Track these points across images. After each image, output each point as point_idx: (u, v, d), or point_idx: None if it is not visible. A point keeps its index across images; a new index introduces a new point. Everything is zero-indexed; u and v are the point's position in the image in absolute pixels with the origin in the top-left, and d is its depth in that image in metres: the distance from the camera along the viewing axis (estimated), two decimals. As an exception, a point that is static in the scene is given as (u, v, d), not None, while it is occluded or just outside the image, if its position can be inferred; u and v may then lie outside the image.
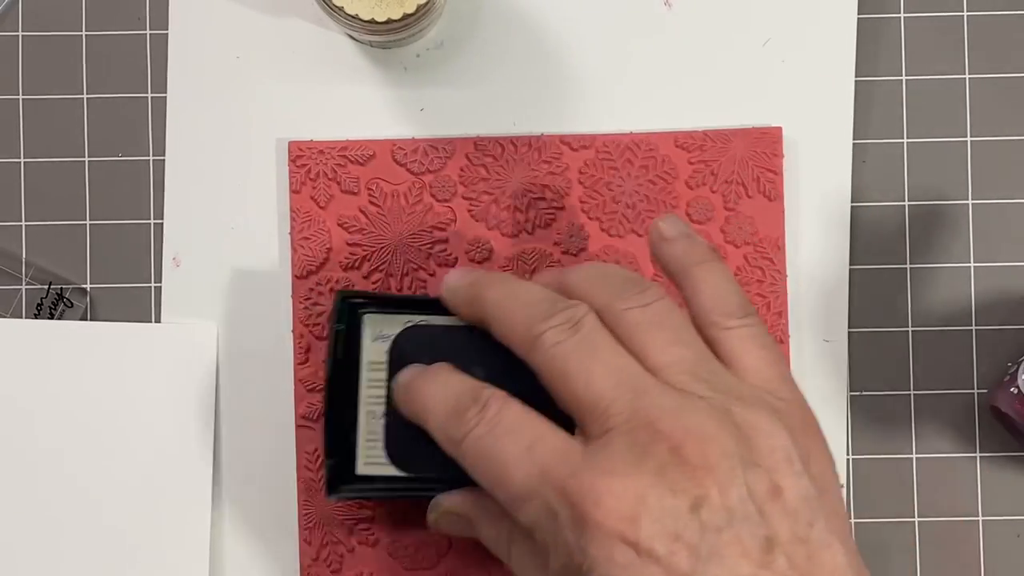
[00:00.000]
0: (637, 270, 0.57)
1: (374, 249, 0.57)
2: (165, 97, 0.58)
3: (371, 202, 0.58)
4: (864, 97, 0.59)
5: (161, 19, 0.59)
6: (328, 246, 0.57)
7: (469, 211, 0.58)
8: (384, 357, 0.52)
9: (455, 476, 0.48)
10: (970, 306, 0.59)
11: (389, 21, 0.52)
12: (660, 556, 0.42)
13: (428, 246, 0.58)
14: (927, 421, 0.59)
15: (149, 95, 0.59)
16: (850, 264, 0.59)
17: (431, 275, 0.58)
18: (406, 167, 0.58)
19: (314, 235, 0.57)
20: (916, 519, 0.58)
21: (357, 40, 0.58)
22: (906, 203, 0.59)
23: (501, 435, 0.45)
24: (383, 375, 0.52)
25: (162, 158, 0.58)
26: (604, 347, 0.46)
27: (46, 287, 0.58)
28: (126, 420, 0.57)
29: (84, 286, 0.58)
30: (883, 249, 0.59)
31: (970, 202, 0.59)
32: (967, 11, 0.59)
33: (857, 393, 0.59)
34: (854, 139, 0.59)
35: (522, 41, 0.59)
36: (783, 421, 0.45)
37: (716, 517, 0.42)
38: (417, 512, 0.54)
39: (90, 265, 0.58)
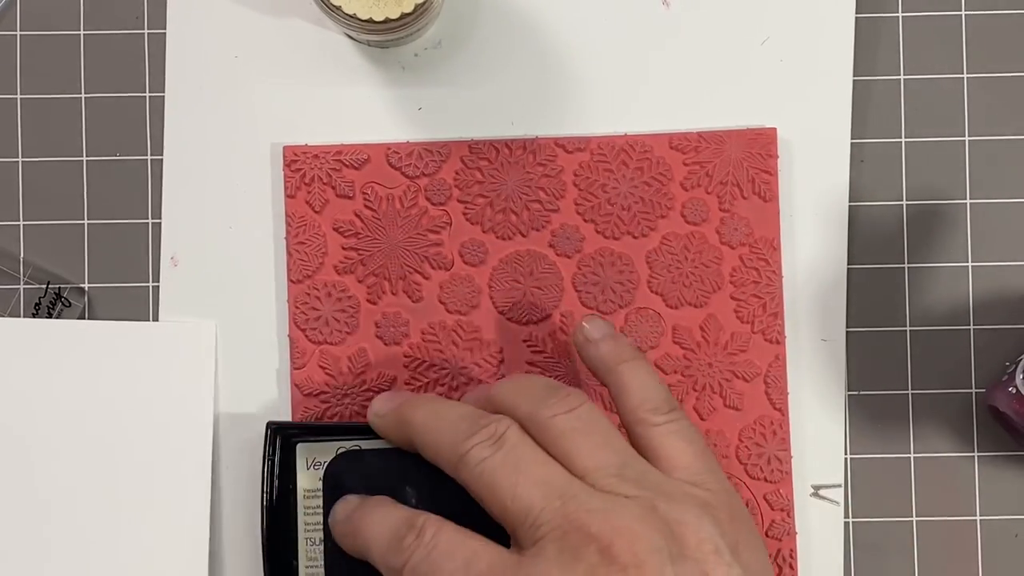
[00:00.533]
0: (633, 273, 0.57)
1: (369, 253, 0.57)
2: (163, 96, 0.58)
3: (366, 206, 0.57)
4: (862, 96, 0.59)
5: (159, 18, 0.59)
6: (323, 251, 0.57)
7: (464, 214, 0.58)
8: (319, 484, 0.53)
9: None
10: (968, 305, 0.59)
11: (387, 20, 0.52)
12: None
13: (423, 249, 0.58)
14: (925, 421, 0.59)
15: (147, 94, 0.59)
16: (848, 263, 0.58)
17: (426, 279, 0.57)
18: (401, 171, 0.58)
19: (309, 239, 0.57)
20: (914, 519, 0.58)
21: (355, 40, 0.58)
22: (904, 202, 0.59)
23: (437, 559, 0.46)
24: (319, 502, 0.53)
25: (160, 158, 0.58)
26: (528, 458, 0.47)
27: (44, 286, 0.58)
28: (124, 419, 0.57)
29: (82, 285, 0.58)
30: (881, 248, 0.59)
31: (968, 202, 0.59)
32: (965, 10, 0.59)
33: (855, 393, 0.59)
34: (852, 138, 0.59)
35: (520, 40, 0.59)
36: (710, 513, 0.46)
37: None
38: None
39: (88, 264, 0.58)
